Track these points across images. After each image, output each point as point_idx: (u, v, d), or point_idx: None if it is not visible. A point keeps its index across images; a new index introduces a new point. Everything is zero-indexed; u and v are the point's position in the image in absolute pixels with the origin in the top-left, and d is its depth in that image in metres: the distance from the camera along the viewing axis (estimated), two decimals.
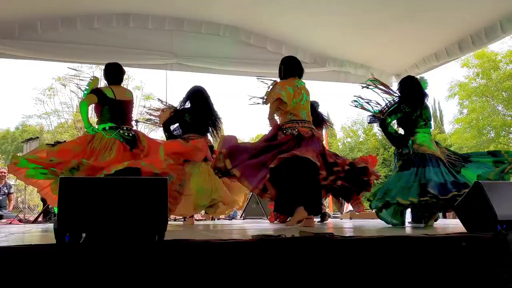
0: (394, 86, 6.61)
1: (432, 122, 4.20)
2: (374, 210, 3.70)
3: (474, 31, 5.01)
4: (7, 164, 4.86)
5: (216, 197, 4.19)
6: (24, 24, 5.13)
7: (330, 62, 6.26)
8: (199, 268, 1.68)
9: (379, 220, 3.69)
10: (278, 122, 3.71)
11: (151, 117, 5.12)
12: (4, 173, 7.53)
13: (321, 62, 6.23)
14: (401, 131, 4.08)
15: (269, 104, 3.80)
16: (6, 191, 7.30)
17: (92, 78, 3.95)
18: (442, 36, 5.35)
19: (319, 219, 4.52)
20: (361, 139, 26.33)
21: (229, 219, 6.27)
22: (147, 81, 30.16)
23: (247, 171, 3.31)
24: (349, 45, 6.02)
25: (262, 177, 3.28)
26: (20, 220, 5.24)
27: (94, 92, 3.76)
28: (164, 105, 4.89)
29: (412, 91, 3.91)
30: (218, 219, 5.91)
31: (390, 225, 3.48)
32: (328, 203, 7.62)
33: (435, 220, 3.68)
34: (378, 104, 4.05)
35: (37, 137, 5.94)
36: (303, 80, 3.82)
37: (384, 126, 3.94)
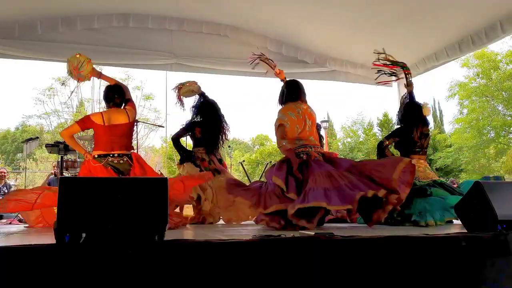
0: (394, 86, 6.67)
1: (432, 122, 4.25)
2: None
3: (474, 31, 5.01)
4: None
5: None
6: (24, 24, 5.12)
7: (330, 62, 6.26)
8: (199, 268, 1.68)
9: None
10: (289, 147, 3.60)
11: None
12: (4, 173, 7.53)
13: (321, 62, 6.22)
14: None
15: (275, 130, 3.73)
16: (6, 191, 7.30)
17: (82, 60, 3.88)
18: (442, 36, 5.35)
19: None
20: (361, 139, 26.32)
21: None
22: (147, 81, 30.18)
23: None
24: (349, 45, 6.01)
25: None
26: (20, 220, 5.23)
27: (79, 121, 3.68)
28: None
29: (413, 117, 3.97)
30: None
31: (390, 225, 3.48)
32: None
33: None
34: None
35: (37, 137, 5.93)
36: (304, 104, 3.75)
37: (381, 149, 4.00)
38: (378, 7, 4.91)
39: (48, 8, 5.09)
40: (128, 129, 3.69)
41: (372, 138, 25.11)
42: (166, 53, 5.71)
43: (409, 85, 4.16)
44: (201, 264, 1.68)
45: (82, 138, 5.65)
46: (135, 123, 6.60)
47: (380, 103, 47.18)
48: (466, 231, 2.35)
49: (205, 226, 3.90)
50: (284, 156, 3.61)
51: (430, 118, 4.16)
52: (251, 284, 1.71)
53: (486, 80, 17.16)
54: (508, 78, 16.66)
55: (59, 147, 5.06)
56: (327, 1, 4.98)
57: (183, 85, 4.64)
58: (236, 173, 15.57)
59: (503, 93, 17.18)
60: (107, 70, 15.82)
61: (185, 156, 4.51)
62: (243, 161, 9.14)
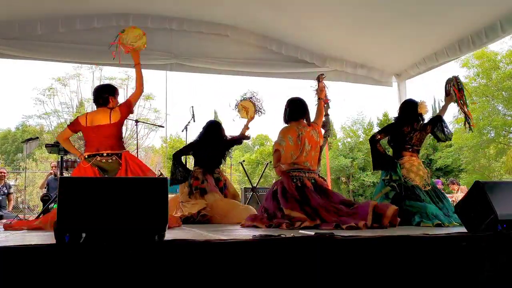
0: (394, 86, 6.67)
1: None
2: None
3: (474, 31, 5.01)
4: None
5: None
6: (24, 24, 5.12)
7: (330, 62, 6.25)
8: (199, 268, 1.68)
9: None
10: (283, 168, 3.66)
11: None
12: (4, 173, 7.53)
13: (321, 62, 6.22)
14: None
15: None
16: (6, 191, 7.30)
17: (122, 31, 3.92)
18: (442, 36, 5.35)
19: None
20: (361, 139, 26.33)
21: None
22: (147, 81, 30.10)
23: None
24: (349, 45, 6.01)
25: None
26: (20, 220, 5.22)
27: (70, 124, 3.76)
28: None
29: (408, 113, 3.97)
30: None
31: None
32: None
33: None
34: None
35: (37, 137, 5.91)
36: (307, 125, 3.75)
37: (374, 142, 3.97)
38: (378, 7, 4.91)
39: (48, 8, 5.09)
40: (112, 130, 3.63)
41: None
42: (166, 53, 5.71)
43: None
44: (201, 264, 1.68)
45: (82, 138, 5.68)
46: (135, 123, 6.62)
47: (380, 103, 47.18)
48: (466, 231, 2.35)
49: (205, 226, 3.90)
50: (280, 178, 3.67)
51: (429, 118, 4.15)
52: (251, 284, 1.71)
53: (486, 80, 17.15)
54: (508, 78, 16.65)
55: (59, 147, 5.06)
56: (327, 1, 4.98)
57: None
58: (236, 173, 15.57)
59: (503, 93, 17.18)
60: (107, 70, 15.86)
61: (182, 178, 4.63)
62: (243, 161, 9.14)
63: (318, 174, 4.18)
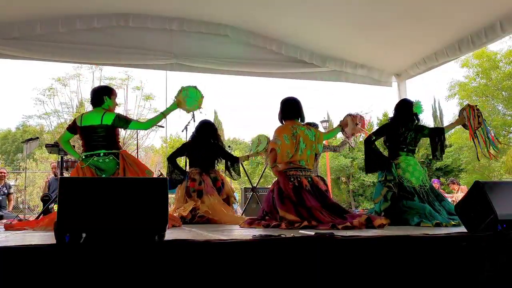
0: (394, 86, 6.67)
1: (432, 122, 4.24)
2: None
3: (474, 31, 5.01)
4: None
5: None
6: (24, 24, 5.12)
7: (330, 62, 6.26)
8: (199, 268, 1.68)
9: None
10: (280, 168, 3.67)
11: None
12: (4, 173, 7.53)
13: (321, 62, 6.22)
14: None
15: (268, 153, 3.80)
16: (6, 191, 7.30)
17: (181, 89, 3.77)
18: (442, 36, 5.35)
19: None
20: (361, 139, 26.32)
21: None
22: (147, 81, 30.18)
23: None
24: (349, 45, 6.01)
25: None
26: (20, 221, 5.22)
27: (68, 126, 3.78)
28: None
29: (403, 113, 3.96)
30: None
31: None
32: None
33: None
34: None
35: (37, 138, 5.90)
36: (302, 125, 3.76)
37: (369, 143, 3.97)
38: (378, 7, 4.91)
39: (48, 8, 5.08)
40: (106, 131, 3.61)
41: None
42: (166, 53, 5.71)
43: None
44: (201, 264, 1.68)
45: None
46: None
47: (380, 103, 47.18)
48: (466, 231, 2.35)
49: (205, 226, 3.90)
50: (276, 179, 3.69)
51: (429, 118, 4.16)
52: (251, 284, 1.71)
53: (486, 80, 17.15)
54: (508, 78, 16.65)
55: (59, 147, 5.06)
56: (327, 1, 4.97)
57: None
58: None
59: (503, 92, 17.18)
60: (107, 70, 15.84)
61: (178, 179, 4.64)
62: (244, 161, 9.14)
63: (317, 174, 4.18)
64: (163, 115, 3.77)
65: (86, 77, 15.79)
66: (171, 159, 4.77)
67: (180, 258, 1.67)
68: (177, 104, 3.73)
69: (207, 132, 4.80)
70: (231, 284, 1.69)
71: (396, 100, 6.38)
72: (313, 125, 4.81)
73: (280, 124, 3.79)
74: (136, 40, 5.57)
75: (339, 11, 5.14)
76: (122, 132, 12.95)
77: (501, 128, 17.50)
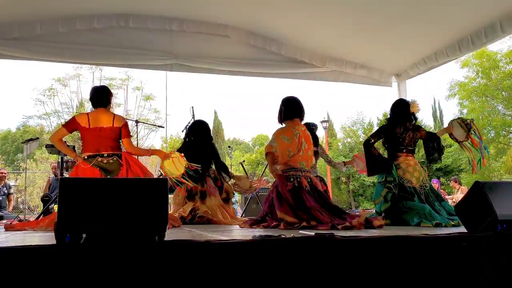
0: (394, 86, 6.67)
1: (432, 122, 4.24)
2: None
3: (474, 31, 5.01)
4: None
5: None
6: (24, 24, 5.12)
7: (330, 62, 6.26)
8: (199, 268, 1.68)
9: None
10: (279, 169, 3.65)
11: None
12: (4, 173, 7.53)
13: (321, 62, 6.22)
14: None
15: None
16: (6, 191, 7.30)
17: None
18: (442, 36, 5.35)
19: None
20: (361, 139, 26.32)
21: None
22: (147, 81, 30.15)
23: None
24: (349, 45, 6.01)
25: None
26: (20, 221, 5.23)
27: (66, 124, 3.70)
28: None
29: (400, 113, 3.96)
30: None
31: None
32: None
33: None
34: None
35: (37, 138, 5.90)
36: (302, 125, 3.77)
37: (368, 145, 3.97)
38: (379, 7, 4.91)
39: (48, 8, 5.08)
40: (113, 133, 3.65)
41: None
42: (166, 53, 5.71)
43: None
44: (201, 264, 1.68)
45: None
46: (135, 124, 6.62)
47: (380, 103, 47.22)
48: (466, 231, 2.35)
49: (205, 227, 3.90)
50: (275, 181, 3.69)
51: (430, 118, 4.17)
52: (251, 284, 1.71)
53: (486, 80, 17.14)
54: (508, 78, 16.64)
55: None
56: (327, 1, 4.97)
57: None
58: (236, 173, 15.53)
59: (503, 92, 17.17)
60: (107, 70, 15.84)
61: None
62: (243, 161, 9.14)
63: (317, 174, 4.18)
64: (150, 153, 4.15)
65: (86, 77, 15.77)
66: None
67: (180, 259, 1.67)
68: (162, 164, 3.84)
69: (201, 131, 4.81)
70: (231, 284, 1.69)
71: None
72: (312, 126, 4.80)
73: (279, 125, 3.78)
74: (136, 41, 5.56)
75: (339, 11, 5.14)
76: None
77: (501, 128, 17.50)
